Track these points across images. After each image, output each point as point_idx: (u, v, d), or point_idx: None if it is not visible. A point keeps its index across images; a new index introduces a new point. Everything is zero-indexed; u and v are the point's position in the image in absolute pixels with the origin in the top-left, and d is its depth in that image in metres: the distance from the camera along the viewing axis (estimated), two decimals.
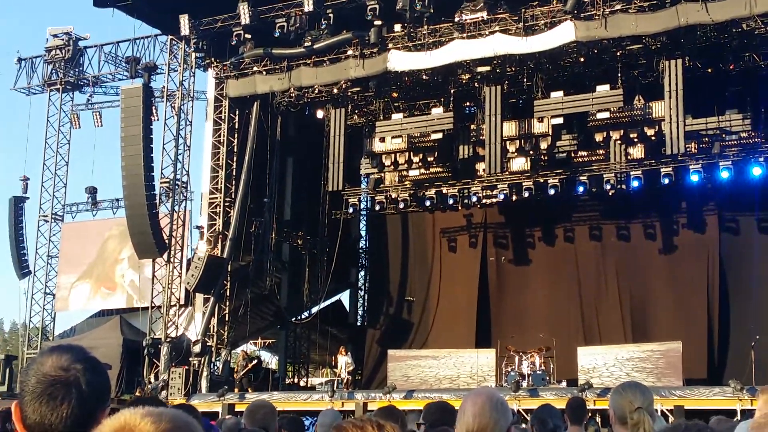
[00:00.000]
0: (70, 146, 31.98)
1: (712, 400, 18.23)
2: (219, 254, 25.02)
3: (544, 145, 23.51)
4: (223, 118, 25.85)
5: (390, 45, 23.29)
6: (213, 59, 25.78)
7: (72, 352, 2.28)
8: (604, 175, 23.68)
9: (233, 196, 25.52)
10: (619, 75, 22.50)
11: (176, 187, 25.92)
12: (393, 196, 26.45)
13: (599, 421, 17.89)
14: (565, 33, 21.43)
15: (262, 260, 26.63)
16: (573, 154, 24.53)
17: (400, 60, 23.06)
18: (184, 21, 24.01)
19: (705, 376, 22.08)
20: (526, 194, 24.45)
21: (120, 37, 30.67)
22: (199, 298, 25.65)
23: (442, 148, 24.95)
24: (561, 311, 25.29)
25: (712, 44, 21.80)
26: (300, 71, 24.24)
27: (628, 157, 23.44)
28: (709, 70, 22.70)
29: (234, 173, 25.70)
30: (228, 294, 25.39)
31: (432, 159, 25.12)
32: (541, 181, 24.44)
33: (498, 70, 23.30)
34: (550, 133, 23.19)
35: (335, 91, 24.92)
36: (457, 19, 22.54)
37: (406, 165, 25.25)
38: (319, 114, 27.14)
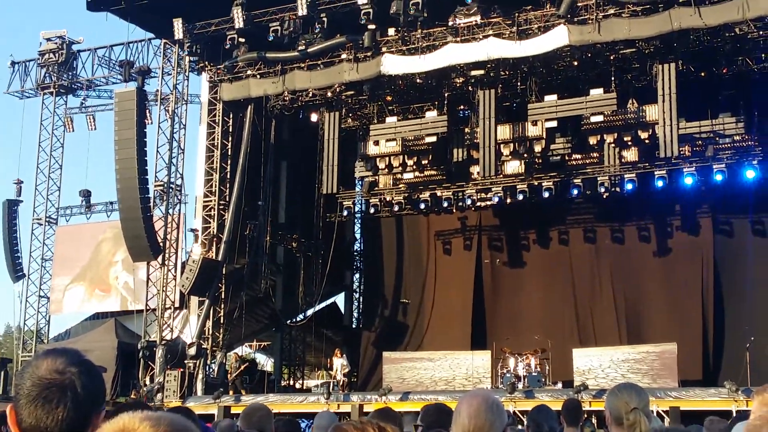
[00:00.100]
0: (63, 149, 31.93)
1: (707, 402, 18.24)
2: (213, 257, 25.00)
3: (538, 148, 23.51)
4: (217, 121, 25.84)
5: (384, 49, 23.29)
6: (207, 63, 25.76)
7: (67, 355, 2.28)
8: (598, 178, 23.71)
9: (227, 199, 25.49)
10: (613, 78, 22.52)
11: (170, 190, 25.93)
12: (387, 199, 26.44)
13: (595, 423, 17.86)
14: (558, 37, 21.47)
15: (257, 263, 26.61)
16: (567, 157, 24.54)
17: (393, 64, 23.08)
18: (178, 25, 23.99)
19: (700, 377, 22.10)
20: (521, 197, 24.48)
21: (114, 41, 30.72)
22: (194, 300, 25.61)
23: (436, 151, 24.93)
24: (556, 313, 25.32)
25: (705, 48, 21.82)
26: (294, 75, 24.24)
27: (622, 160, 23.44)
28: (703, 74, 22.74)
29: (228, 176, 25.69)
30: (223, 297, 25.37)
31: (426, 162, 25.11)
32: (536, 183, 24.49)
33: (492, 74, 23.31)
34: (544, 136, 23.19)
35: (329, 94, 24.91)
36: (450, 23, 22.57)
37: (400, 168, 25.22)
38: (313, 117, 27.10)
